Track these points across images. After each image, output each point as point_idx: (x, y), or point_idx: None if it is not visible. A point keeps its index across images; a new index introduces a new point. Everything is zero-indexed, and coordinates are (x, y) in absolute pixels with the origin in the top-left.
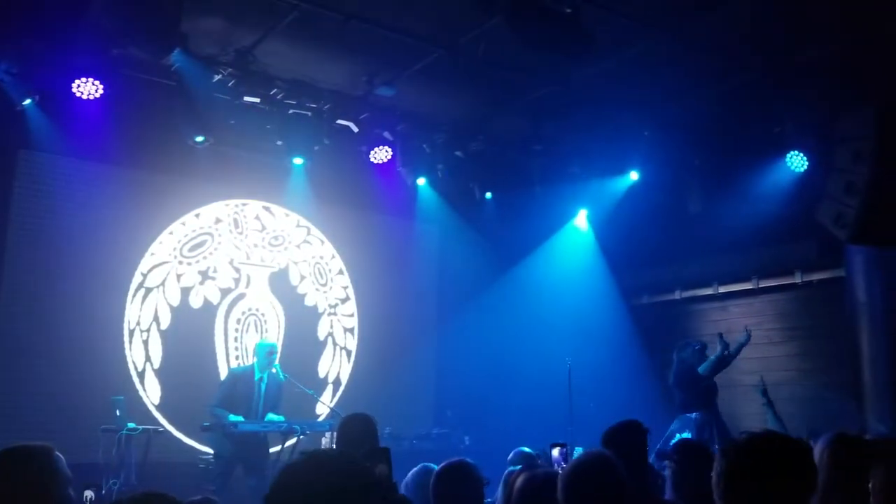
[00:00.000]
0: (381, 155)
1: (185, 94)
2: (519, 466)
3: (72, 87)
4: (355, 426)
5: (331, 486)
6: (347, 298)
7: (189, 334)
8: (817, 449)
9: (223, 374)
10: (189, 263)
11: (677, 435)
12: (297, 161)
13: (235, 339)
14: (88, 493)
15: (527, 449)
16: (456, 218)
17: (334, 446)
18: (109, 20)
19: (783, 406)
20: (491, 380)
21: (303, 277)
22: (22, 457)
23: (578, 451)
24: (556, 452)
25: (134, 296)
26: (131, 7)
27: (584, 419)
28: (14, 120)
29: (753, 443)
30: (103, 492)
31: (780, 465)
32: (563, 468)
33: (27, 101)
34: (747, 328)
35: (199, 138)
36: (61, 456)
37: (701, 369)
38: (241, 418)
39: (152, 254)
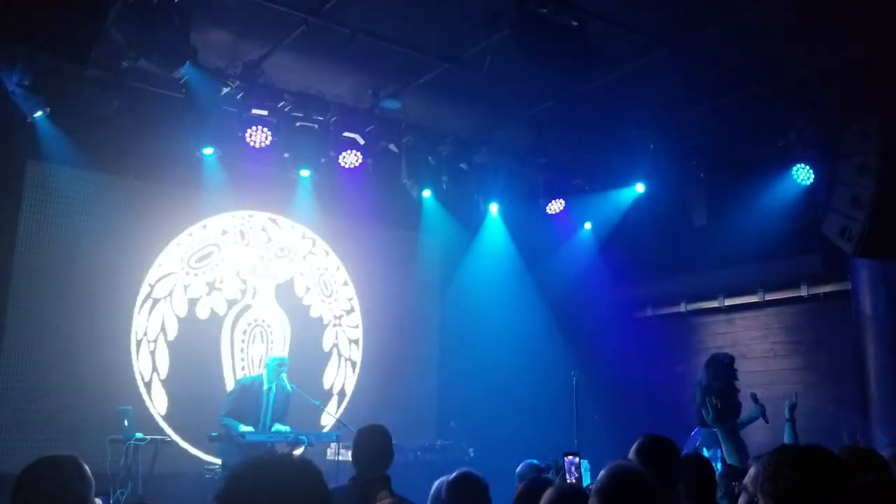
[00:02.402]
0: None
1: (193, 106)
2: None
3: (82, 100)
4: (373, 437)
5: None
6: (352, 310)
7: (196, 345)
8: None
9: (229, 384)
10: (196, 274)
11: (705, 450)
12: (304, 173)
13: (241, 350)
14: (98, 501)
15: (535, 461)
16: (460, 230)
17: (339, 458)
18: (120, 34)
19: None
20: (495, 392)
21: (308, 289)
22: (54, 465)
23: (585, 465)
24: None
25: (141, 306)
26: (142, 21)
27: (589, 432)
28: (24, 131)
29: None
30: (111, 501)
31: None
32: (576, 479)
33: (38, 114)
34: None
35: (207, 150)
36: (85, 465)
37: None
38: (251, 429)
39: (160, 265)
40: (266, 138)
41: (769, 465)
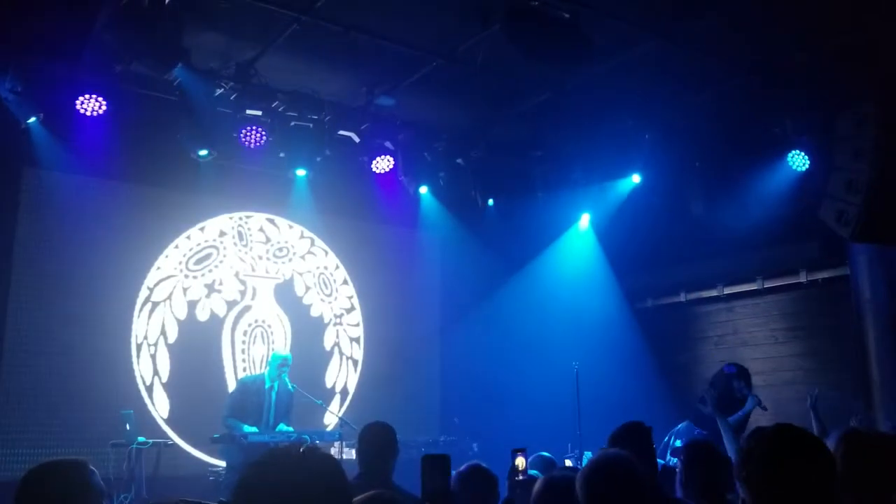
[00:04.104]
0: (382, 164)
1: (187, 108)
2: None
3: (76, 105)
4: (378, 434)
5: (298, 485)
6: (353, 308)
7: (196, 347)
8: (829, 444)
9: (231, 386)
10: (195, 277)
11: (675, 439)
12: (300, 172)
13: (242, 352)
14: None
15: (546, 454)
16: (458, 225)
17: (342, 457)
18: (112, 37)
19: (791, 406)
20: (497, 386)
21: (308, 288)
22: (58, 472)
23: (588, 456)
24: (520, 463)
25: (141, 310)
26: (133, 24)
27: (592, 423)
28: (19, 138)
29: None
30: None
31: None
32: (522, 476)
33: (32, 119)
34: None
35: (203, 152)
36: (95, 470)
37: (731, 419)
38: (255, 429)
39: (158, 268)
40: (261, 138)
41: (741, 450)
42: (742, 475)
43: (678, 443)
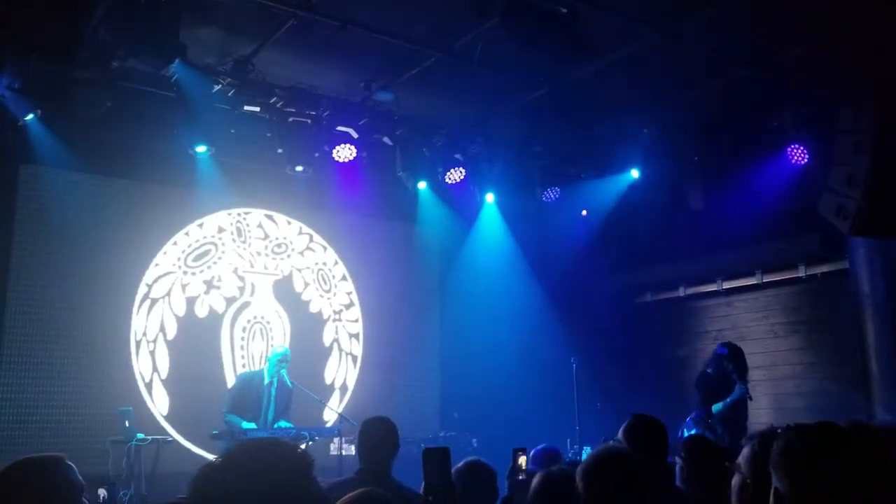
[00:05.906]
0: (454, 175)
1: (184, 104)
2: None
3: (73, 102)
4: (378, 429)
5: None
6: (351, 304)
7: (195, 344)
8: None
9: (230, 382)
10: (193, 273)
11: (685, 430)
12: (298, 168)
13: (241, 348)
14: (102, 492)
15: (550, 447)
16: (457, 221)
17: (342, 453)
18: (109, 33)
19: (791, 400)
20: (496, 381)
21: (307, 284)
22: (33, 467)
23: (588, 451)
24: (522, 461)
25: (139, 307)
26: (130, 19)
27: (591, 418)
28: (16, 135)
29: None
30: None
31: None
32: (523, 476)
33: (29, 116)
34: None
35: (201, 148)
36: (73, 465)
37: (715, 409)
38: (253, 425)
39: (157, 264)
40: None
41: (782, 441)
42: (781, 467)
43: (685, 432)
